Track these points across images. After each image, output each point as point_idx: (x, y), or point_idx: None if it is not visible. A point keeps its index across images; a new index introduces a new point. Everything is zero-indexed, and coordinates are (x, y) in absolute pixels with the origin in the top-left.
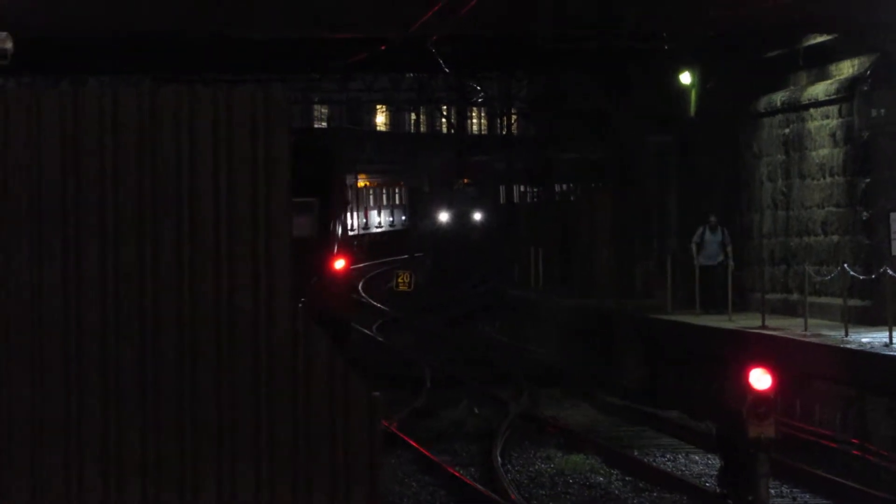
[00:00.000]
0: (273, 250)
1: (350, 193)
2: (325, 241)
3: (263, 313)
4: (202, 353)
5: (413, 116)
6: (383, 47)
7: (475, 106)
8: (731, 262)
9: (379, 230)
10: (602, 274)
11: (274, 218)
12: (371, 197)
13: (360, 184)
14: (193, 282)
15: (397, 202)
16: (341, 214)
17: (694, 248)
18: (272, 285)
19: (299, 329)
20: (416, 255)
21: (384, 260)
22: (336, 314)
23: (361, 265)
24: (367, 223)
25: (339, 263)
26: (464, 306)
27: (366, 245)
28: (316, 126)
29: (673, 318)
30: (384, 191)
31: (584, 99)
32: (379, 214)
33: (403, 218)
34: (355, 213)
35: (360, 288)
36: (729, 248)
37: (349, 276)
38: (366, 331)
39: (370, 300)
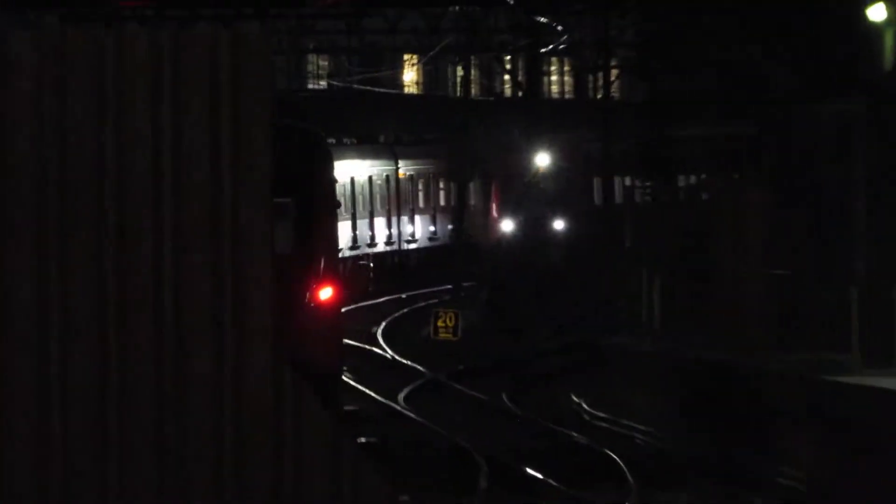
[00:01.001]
0: (245, 274)
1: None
2: (305, 261)
3: (230, 375)
4: (135, 434)
5: (459, 72)
6: None
7: (555, 56)
8: None
9: (409, 245)
10: (754, 311)
11: (247, 223)
12: (401, 195)
13: (402, 174)
14: (119, 326)
15: (439, 203)
16: (328, 222)
17: None
18: (244, 330)
19: (287, 400)
20: (466, 284)
21: (419, 292)
22: (320, 366)
23: (382, 299)
24: (391, 235)
25: (326, 293)
26: (538, 364)
27: (391, 268)
28: (311, 87)
29: (863, 380)
30: (417, 186)
31: (722, 47)
32: (410, 222)
33: (449, 227)
34: (394, 218)
35: (378, 335)
36: None
37: (339, 310)
38: (388, 402)
39: (395, 355)
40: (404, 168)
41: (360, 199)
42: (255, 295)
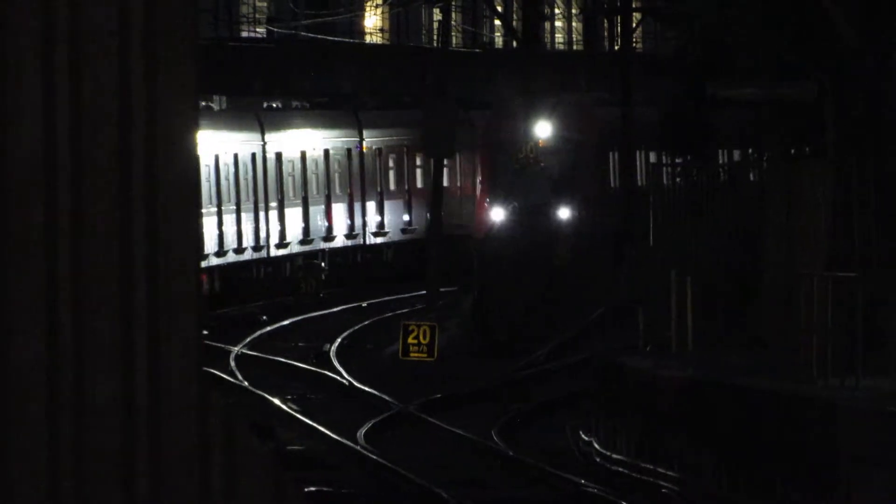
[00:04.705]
0: (167, 287)
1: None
2: None
3: (143, 405)
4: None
5: (437, 16)
6: None
7: None
8: None
9: (377, 239)
10: (814, 324)
11: (167, 235)
12: (315, 176)
13: (365, 147)
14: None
15: (416, 184)
16: None
17: None
18: (159, 345)
19: (215, 436)
20: (444, 290)
21: (386, 299)
22: None
23: (337, 308)
24: (353, 226)
25: None
26: (537, 391)
27: (351, 268)
28: (246, 34)
29: None
30: (388, 162)
31: None
32: (378, 209)
33: (426, 217)
34: (357, 204)
35: (332, 354)
36: None
37: None
38: (345, 441)
39: (353, 380)
40: (370, 140)
41: (312, 179)
42: (179, 305)
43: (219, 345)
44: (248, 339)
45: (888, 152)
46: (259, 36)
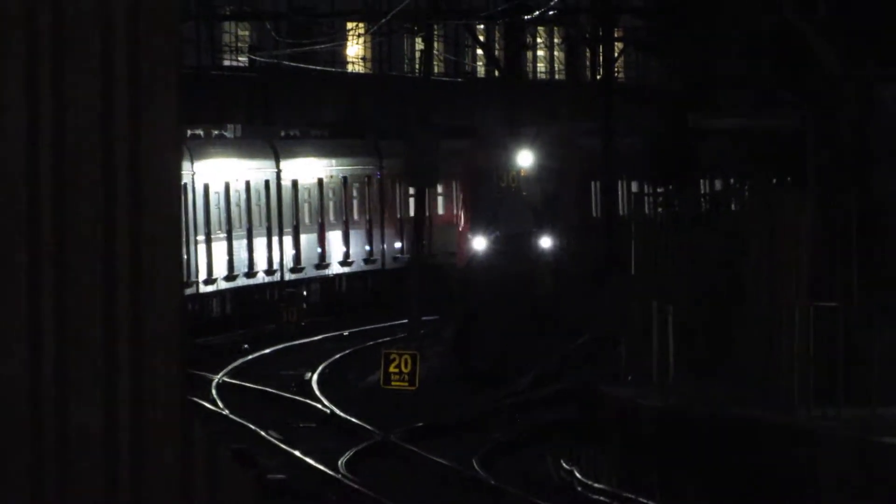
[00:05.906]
0: (149, 294)
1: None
2: None
3: (125, 431)
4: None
5: (419, 45)
6: None
7: (541, 25)
8: None
9: (396, 264)
10: (795, 356)
11: (150, 262)
12: (332, 202)
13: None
14: None
15: (438, 211)
16: None
17: None
18: (143, 369)
19: (197, 465)
20: (425, 319)
21: (367, 328)
22: None
23: (318, 337)
24: (323, 255)
25: None
26: (518, 420)
27: (335, 296)
28: (229, 63)
29: None
30: (408, 189)
31: (760, 14)
32: (398, 235)
33: (399, 245)
34: (352, 232)
35: (313, 383)
36: None
37: None
38: (326, 469)
39: (334, 408)
40: (390, 168)
41: (328, 205)
42: (160, 318)
43: (200, 373)
44: (230, 367)
45: (870, 181)
46: (241, 65)
